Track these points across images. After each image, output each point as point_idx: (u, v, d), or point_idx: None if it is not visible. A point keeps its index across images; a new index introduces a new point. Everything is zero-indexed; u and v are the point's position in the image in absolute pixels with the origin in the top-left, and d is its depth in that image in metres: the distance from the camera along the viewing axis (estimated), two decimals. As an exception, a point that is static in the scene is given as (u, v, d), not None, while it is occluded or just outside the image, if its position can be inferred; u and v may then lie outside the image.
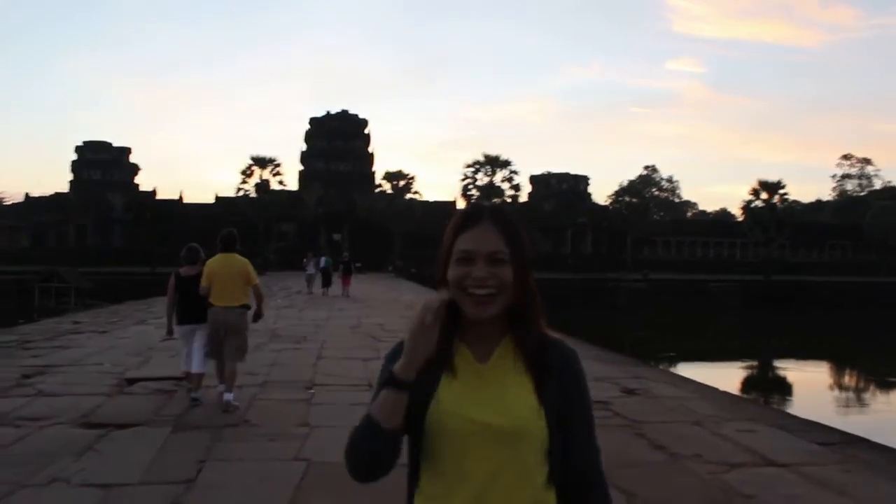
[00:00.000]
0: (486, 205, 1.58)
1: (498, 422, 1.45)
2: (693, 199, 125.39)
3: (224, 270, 7.59)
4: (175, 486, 4.90)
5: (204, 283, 7.56)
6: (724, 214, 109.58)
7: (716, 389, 9.48)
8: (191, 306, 7.74)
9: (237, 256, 7.75)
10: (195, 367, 7.66)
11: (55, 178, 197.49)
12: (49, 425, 6.48)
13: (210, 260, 7.74)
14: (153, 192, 75.54)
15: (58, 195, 74.11)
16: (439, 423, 1.47)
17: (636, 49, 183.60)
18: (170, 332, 8.13)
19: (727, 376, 15.23)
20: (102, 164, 74.35)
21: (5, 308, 25.61)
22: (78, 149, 76.08)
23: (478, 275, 1.45)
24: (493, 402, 1.47)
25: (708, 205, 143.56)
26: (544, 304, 1.55)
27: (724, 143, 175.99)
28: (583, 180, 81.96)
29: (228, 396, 7.33)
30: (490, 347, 1.53)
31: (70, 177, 74.96)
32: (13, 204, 78.32)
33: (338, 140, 76.45)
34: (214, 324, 7.56)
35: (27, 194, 75.59)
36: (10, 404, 7.28)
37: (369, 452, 1.43)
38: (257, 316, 8.18)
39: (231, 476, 5.15)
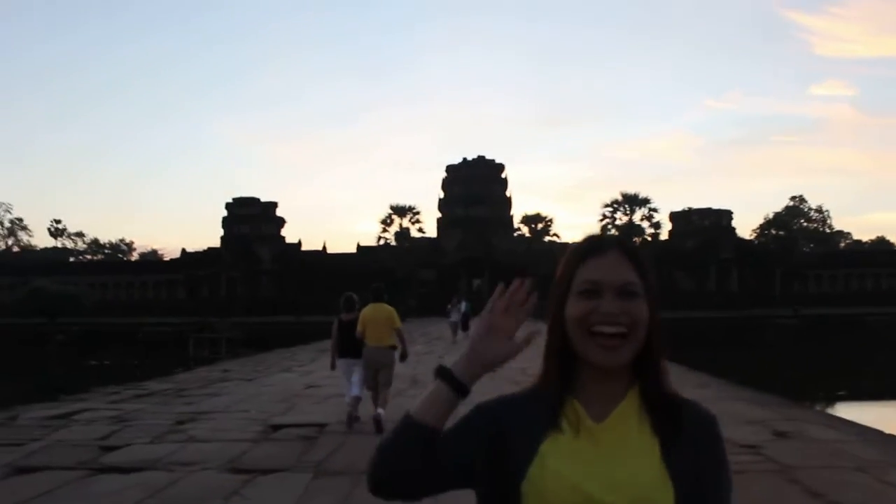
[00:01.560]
0: (610, 235, 1.42)
1: (611, 499, 1.19)
2: (846, 229, 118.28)
3: (375, 317, 9.19)
4: (315, 531, 4.96)
5: (359, 328, 9.13)
6: (881, 243, 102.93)
7: (881, 432, 8.80)
8: (350, 345, 9.27)
9: (385, 305, 9.33)
10: (354, 392, 9.17)
11: (208, 234, 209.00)
12: (199, 470, 6.73)
13: (364, 309, 9.33)
14: (298, 244, 78.64)
15: (210, 250, 78.35)
16: (541, 493, 1.22)
17: (777, 76, 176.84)
18: (333, 365, 9.77)
19: (893, 418, 14.14)
20: (251, 219, 78.07)
21: (164, 358, 27.11)
22: (228, 205, 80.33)
23: (607, 309, 1.23)
24: (610, 470, 1.22)
25: (863, 234, 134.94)
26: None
27: (878, 167, 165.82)
28: (726, 215, 79.15)
29: (380, 412, 8.68)
30: (609, 405, 1.28)
31: (221, 232, 79.04)
32: (171, 259, 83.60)
33: (475, 186, 77.35)
34: (368, 360, 9.13)
35: (183, 250, 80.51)
36: (165, 449, 7.64)
37: (395, 452, 1.28)
38: (403, 355, 9.58)
39: (369, 522, 5.16)
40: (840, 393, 18.16)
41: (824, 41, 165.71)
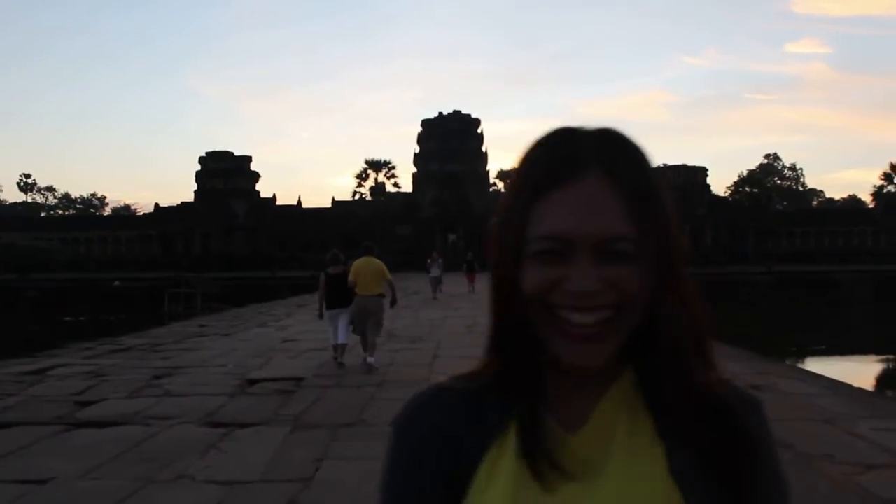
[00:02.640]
0: (586, 131, 0.85)
1: None
2: (819, 187, 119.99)
3: (366, 269, 10.21)
4: (293, 483, 5.00)
5: (351, 277, 10.14)
6: (853, 201, 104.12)
7: (849, 386, 8.99)
8: (338, 295, 10.26)
9: (374, 259, 10.40)
10: (340, 339, 10.18)
11: (182, 189, 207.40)
12: (176, 424, 6.74)
13: (356, 262, 10.34)
14: (273, 199, 78.13)
15: (184, 204, 77.67)
16: None
17: (753, 34, 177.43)
18: (321, 315, 10.68)
19: (862, 372, 14.41)
20: (225, 173, 77.29)
21: (138, 313, 26.97)
22: (201, 159, 79.45)
23: (579, 285, 0.78)
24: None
25: (835, 192, 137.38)
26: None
27: (852, 126, 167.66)
28: (701, 172, 79.57)
29: (372, 360, 9.89)
30: (586, 402, 0.86)
31: (195, 186, 78.26)
32: (144, 214, 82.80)
33: (451, 140, 76.95)
34: (360, 308, 10.09)
35: (156, 205, 79.72)
36: (142, 404, 7.63)
37: None
38: (393, 302, 11.09)
39: (348, 474, 5.20)
40: (811, 348, 18.47)
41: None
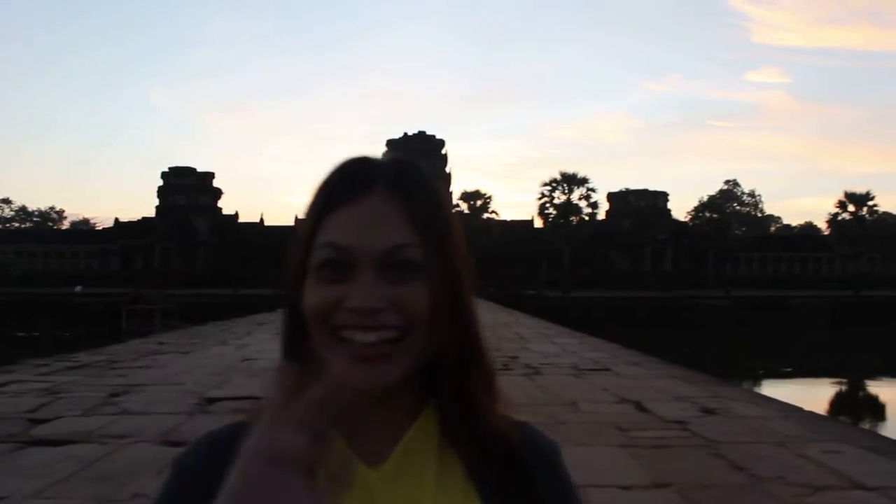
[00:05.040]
0: (379, 159, 0.85)
1: None
2: (776, 213, 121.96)
3: None
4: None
5: None
6: (809, 228, 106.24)
7: (801, 409, 9.15)
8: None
9: None
10: None
11: (143, 204, 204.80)
12: (133, 443, 6.67)
13: None
14: (235, 216, 77.65)
15: (145, 220, 76.90)
16: None
17: (714, 62, 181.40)
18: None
19: (813, 396, 14.71)
20: (187, 189, 76.71)
21: (95, 329, 26.56)
22: (164, 174, 78.80)
23: (358, 302, 0.75)
24: None
25: (792, 219, 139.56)
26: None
27: (809, 154, 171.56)
28: (662, 196, 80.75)
29: None
30: (388, 435, 0.83)
31: (156, 202, 77.45)
32: (104, 229, 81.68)
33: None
34: None
35: (117, 219, 78.89)
36: (97, 422, 7.53)
37: None
38: None
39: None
40: (765, 371, 18.78)
41: (762, 29, 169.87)
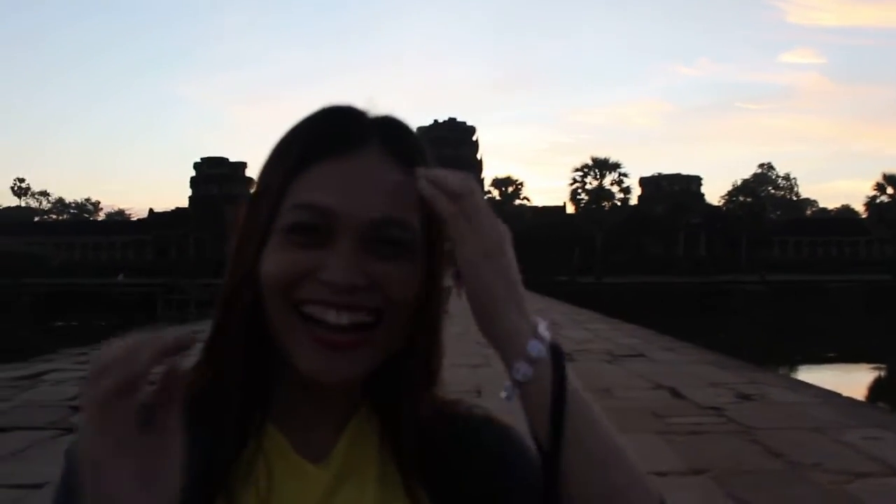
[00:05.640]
0: (365, 111, 0.71)
1: None
2: (812, 197, 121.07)
3: None
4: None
5: None
6: (846, 211, 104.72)
7: (839, 395, 9.04)
8: None
9: None
10: None
11: (176, 194, 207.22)
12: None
13: None
14: (267, 205, 78.19)
15: (178, 210, 77.73)
16: None
17: (747, 43, 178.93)
18: None
19: (852, 381, 14.50)
20: (219, 179, 77.44)
21: (132, 319, 26.95)
22: (196, 165, 79.62)
23: (334, 275, 0.64)
24: None
25: (829, 202, 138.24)
26: None
27: (846, 136, 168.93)
28: (695, 181, 80.00)
29: None
30: (328, 430, 0.73)
31: (189, 192, 78.26)
32: (138, 220, 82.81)
33: (446, 148, 77.20)
34: None
35: (151, 210, 79.99)
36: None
37: None
38: None
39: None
40: (801, 357, 18.57)
41: (796, 9, 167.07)
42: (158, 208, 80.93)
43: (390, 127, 0.71)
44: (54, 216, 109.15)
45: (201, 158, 79.75)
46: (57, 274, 65.09)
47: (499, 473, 0.75)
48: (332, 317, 0.64)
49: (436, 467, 0.73)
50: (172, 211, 78.71)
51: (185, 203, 78.22)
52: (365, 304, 0.65)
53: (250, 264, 0.67)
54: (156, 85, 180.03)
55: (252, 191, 0.72)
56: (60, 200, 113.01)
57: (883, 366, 18.35)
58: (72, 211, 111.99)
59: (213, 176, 77.52)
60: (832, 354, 20.41)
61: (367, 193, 0.65)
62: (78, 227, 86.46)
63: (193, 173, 79.22)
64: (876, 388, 14.92)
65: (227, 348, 0.69)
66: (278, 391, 0.71)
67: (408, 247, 0.67)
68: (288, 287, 0.64)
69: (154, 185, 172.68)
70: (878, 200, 70.80)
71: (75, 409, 7.74)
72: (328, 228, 0.64)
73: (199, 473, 0.62)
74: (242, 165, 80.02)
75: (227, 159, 79.48)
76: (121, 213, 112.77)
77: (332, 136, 0.68)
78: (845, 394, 9.36)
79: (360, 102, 0.72)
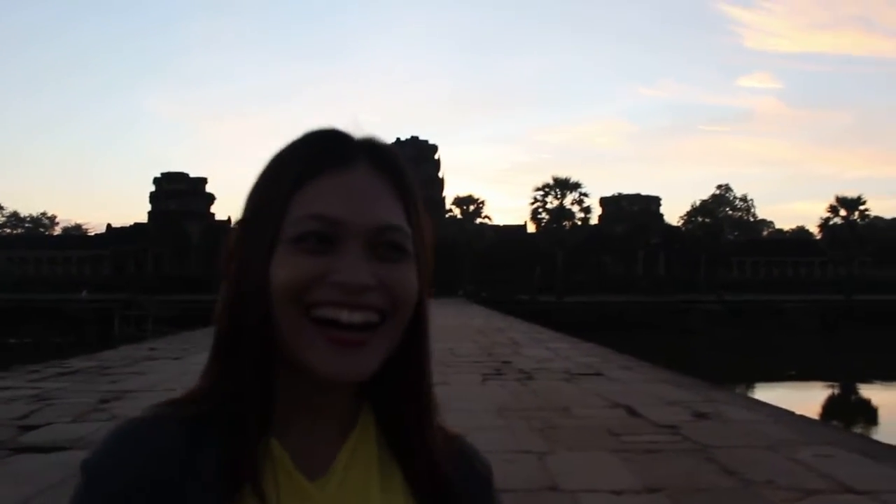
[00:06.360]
0: (350, 134, 0.78)
1: None
2: (769, 218, 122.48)
3: None
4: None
5: None
6: (801, 233, 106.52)
7: (792, 413, 9.18)
8: None
9: None
10: None
11: (135, 210, 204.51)
12: (123, 449, 6.63)
13: None
14: (228, 221, 77.31)
15: (137, 225, 76.63)
16: None
17: (707, 67, 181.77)
18: None
19: (805, 399, 14.75)
20: (179, 195, 76.50)
21: (88, 335, 26.47)
22: (156, 180, 78.59)
23: (348, 277, 0.69)
24: None
25: (784, 223, 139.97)
26: None
27: (801, 159, 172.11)
28: (654, 201, 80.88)
29: None
30: (327, 448, 0.76)
31: (149, 207, 77.28)
32: (96, 234, 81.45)
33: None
34: None
35: (109, 225, 78.69)
36: (87, 428, 7.50)
37: None
38: None
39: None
40: (757, 375, 18.83)
41: (754, 34, 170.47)
42: (116, 223, 79.93)
43: (375, 146, 0.77)
44: (8, 230, 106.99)
45: (161, 174, 78.84)
46: (11, 289, 63.73)
47: (486, 495, 0.83)
48: (344, 316, 0.69)
49: (427, 488, 0.78)
50: (131, 226, 77.63)
51: (143, 218, 77.27)
52: (373, 304, 0.70)
53: (260, 277, 0.71)
54: (116, 98, 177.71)
55: (245, 212, 0.76)
56: (15, 214, 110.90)
57: (835, 384, 18.68)
58: (27, 225, 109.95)
59: (173, 192, 76.62)
60: (789, 373, 20.72)
61: (367, 203, 0.72)
62: (33, 241, 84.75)
63: (153, 188, 78.24)
64: (829, 406, 15.20)
65: (242, 364, 0.73)
66: (279, 406, 0.74)
67: (407, 251, 0.73)
68: (301, 292, 0.69)
69: (113, 200, 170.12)
70: (831, 222, 72.07)
71: (25, 428, 7.58)
72: (336, 236, 0.70)
73: (222, 488, 0.68)
74: (202, 181, 79.24)
75: (187, 175, 78.63)
76: (78, 227, 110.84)
77: (326, 154, 0.74)
78: (799, 412, 9.51)
79: (339, 124, 0.79)
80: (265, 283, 0.70)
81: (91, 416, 8.25)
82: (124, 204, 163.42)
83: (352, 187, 0.72)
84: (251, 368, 0.72)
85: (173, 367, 13.06)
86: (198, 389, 0.76)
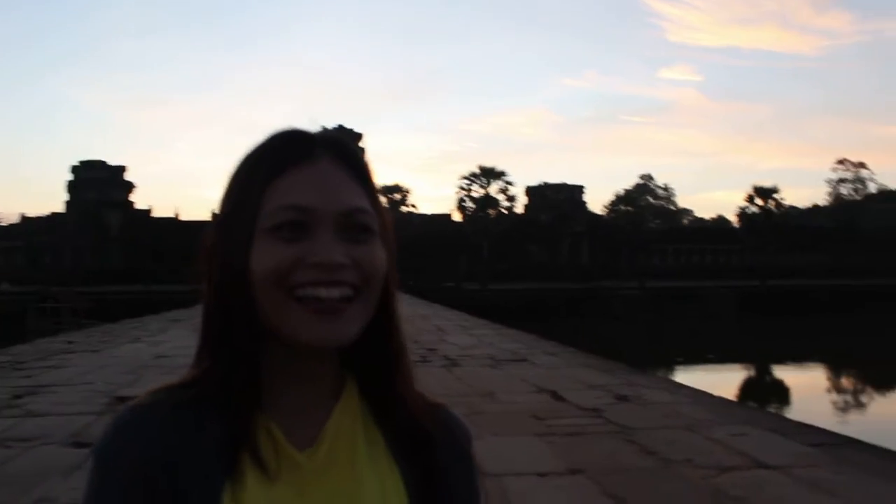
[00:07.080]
0: (311, 131, 0.87)
1: None
2: (689, 207, 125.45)
3: None
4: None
5: None
6: (720, 221, 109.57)
7: (709, 394, 9.47)
8: None
9: None
10: None
11: (51, 199, 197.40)
12: (38, 445, 6.44)
13: None
14: (149, 211, 75.57)
15: (53, 215, 74.17)
16: None
17: (630, 59, 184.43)
18: None
19: (722, 381, 15.23)
20: (98, 184, 74.28)
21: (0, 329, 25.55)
22: (74, 168, 76.11)
23: (323, 257, 0.77)
24: None
25: (704, 212, 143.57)
26: None
27: (720, 149, 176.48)
28: (578, 190, 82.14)
29: None
30: (314, 419, 0.84)
31: (66, 196, 74.83)
32: (9, 225, 78.32)
33: (332, 154, 76.74)
34: None
35: (23, 215, 75.72)
36: (1, 425, 7.25)
37: None
38: None
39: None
40: (677, 359, 19.35)
41: (677, 28, 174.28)
42: (32, 213, 76.99)
43: (337, 141, 0.86)
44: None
45: (79, 162, 76.40)
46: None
47: (465, 462, 0.91)
48: (323, 292, 0.78)
49: (409, 454, 0.86)
50: (47, 216, 75.01)
51: (60, 208, 74.77)
52: (347, 280, 0.79)
53: (242, 266, 0.79)
54: (35, 83, 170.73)
55: (222, 210, 0.85)
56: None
57: (751, 366, 19.34)
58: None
59: (91, 180, 74.30)
60: (707, 356, 21.34)
61: (334, 191, 0.81)
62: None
63: (70, 177, 75.78)
64: (745, 387, 15.72)
65: (235, 346, 0.81)
66: (267, 382, 0.83)
67: (373, 231, 0.82)
68: (283, 276, 0.78)
69: (27, 190, 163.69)
70: (748, 211, 74.55)
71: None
72: (309, 223, 0.79)
73: (220, 461, 0.77)
74: (122, 169, 77.07)
75: (105, 163, 76.36)
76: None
77: (292, 151, 0.83)
78: (716, 393, 9.81)
79: (298, 124, 0.88)
80: (247, 271, 0.79)
81: (3, 412, 7.97)
82: (40, 194, 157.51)
83: (319, 178, 0.81)
84: (242, 349, 0.81)
85: (91, 360, 12.71)
86: (191, 376, 0.84)
